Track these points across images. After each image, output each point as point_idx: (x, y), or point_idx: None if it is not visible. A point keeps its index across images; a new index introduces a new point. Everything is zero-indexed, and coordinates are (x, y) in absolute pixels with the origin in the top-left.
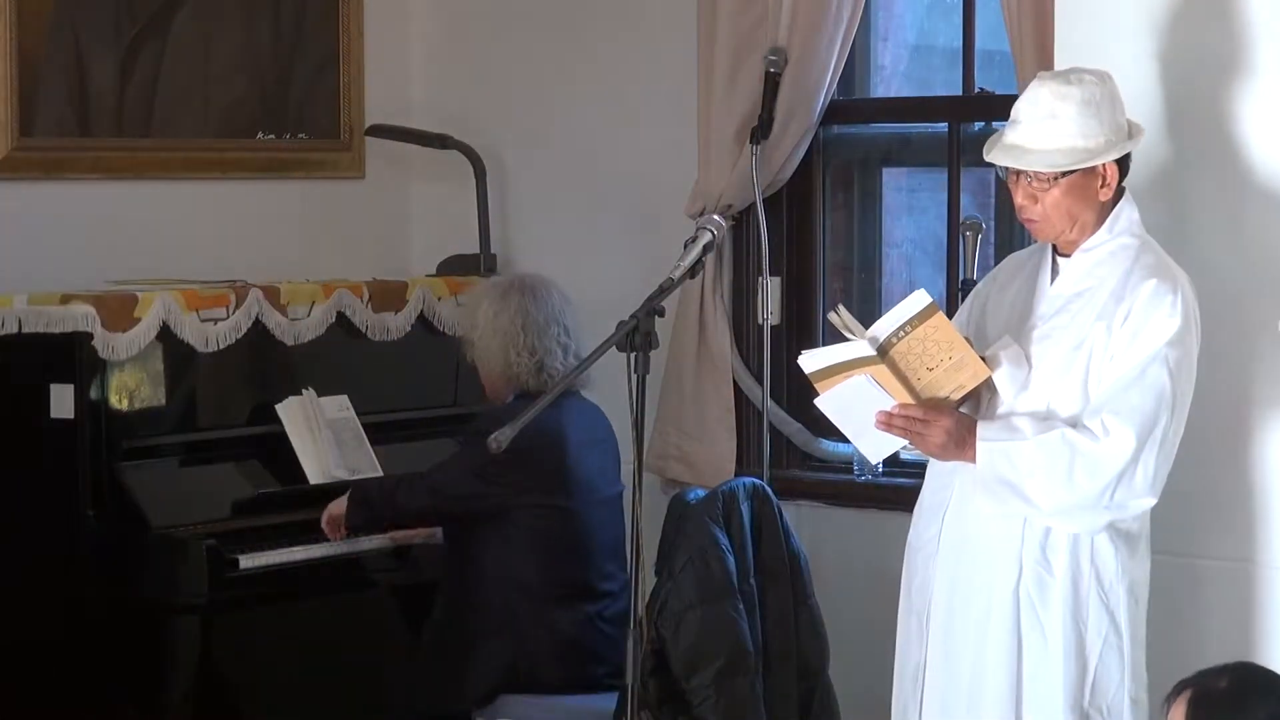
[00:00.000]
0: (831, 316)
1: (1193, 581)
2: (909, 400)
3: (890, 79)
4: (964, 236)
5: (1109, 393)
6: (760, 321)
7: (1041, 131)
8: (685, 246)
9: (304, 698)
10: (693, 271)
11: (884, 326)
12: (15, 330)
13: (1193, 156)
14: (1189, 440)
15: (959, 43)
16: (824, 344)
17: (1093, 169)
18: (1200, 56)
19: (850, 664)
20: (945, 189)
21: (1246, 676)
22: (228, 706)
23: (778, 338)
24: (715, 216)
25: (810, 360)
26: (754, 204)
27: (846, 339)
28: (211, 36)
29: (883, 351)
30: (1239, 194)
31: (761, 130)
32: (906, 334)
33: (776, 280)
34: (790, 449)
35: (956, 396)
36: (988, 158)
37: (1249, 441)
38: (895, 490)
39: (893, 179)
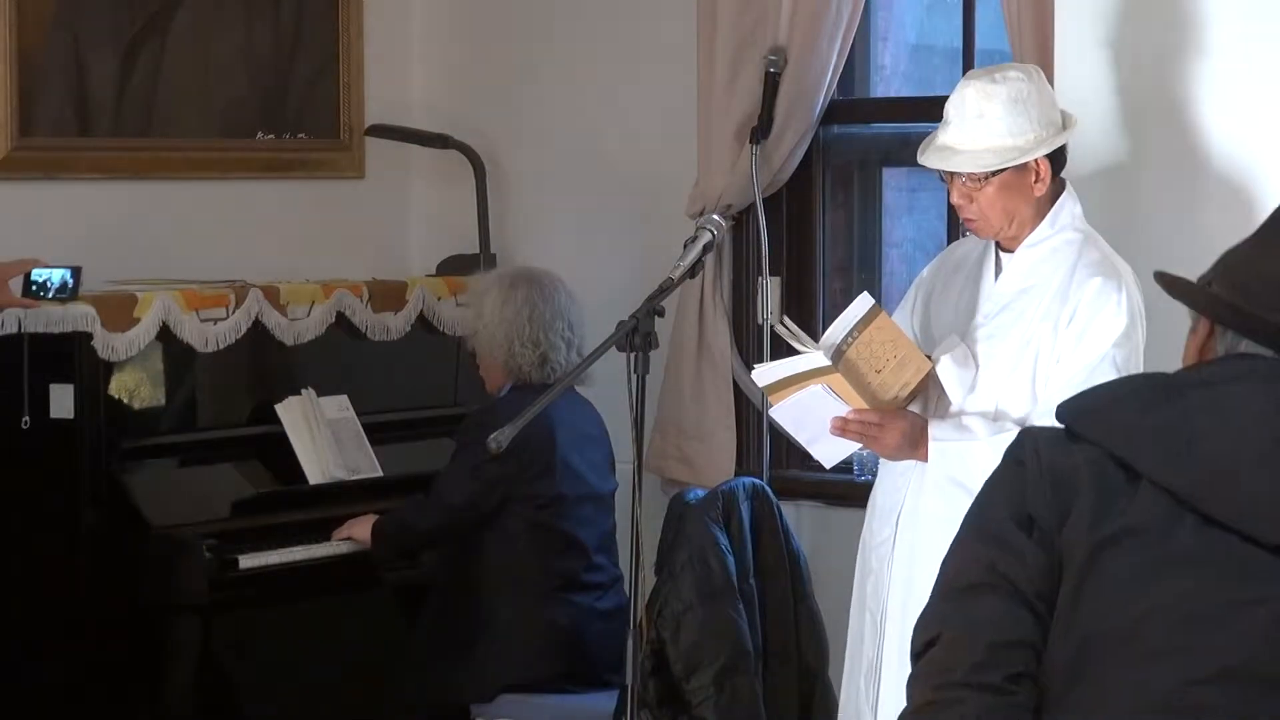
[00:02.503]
0: (778, 328)
1: None
2: (863, 405)
3: (890, 79)
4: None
5: (1058, 396)
6: (760, 321)
7: (970, 132)
8: (685, 246)
9: (304, 697)
10: (693, 271)
11: (835, 334)
12: (15, 330)
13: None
14: None
15: (959, 43)
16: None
17: (1024, 166)
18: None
19: None
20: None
21: None
22: (228, 706)
23: (777, 338)
24: (715, 216)
25: (764, 374)
26: (754, 204)
27: (796, 350)
28: (211, 36)
29: (836, 360)
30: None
31: (761, 130)
32: (855, 339)
33: (776, 280)
34: (790, 449)
35: (905, 394)
36: (920, 160)
37: None
38: None
39: (893, 179)
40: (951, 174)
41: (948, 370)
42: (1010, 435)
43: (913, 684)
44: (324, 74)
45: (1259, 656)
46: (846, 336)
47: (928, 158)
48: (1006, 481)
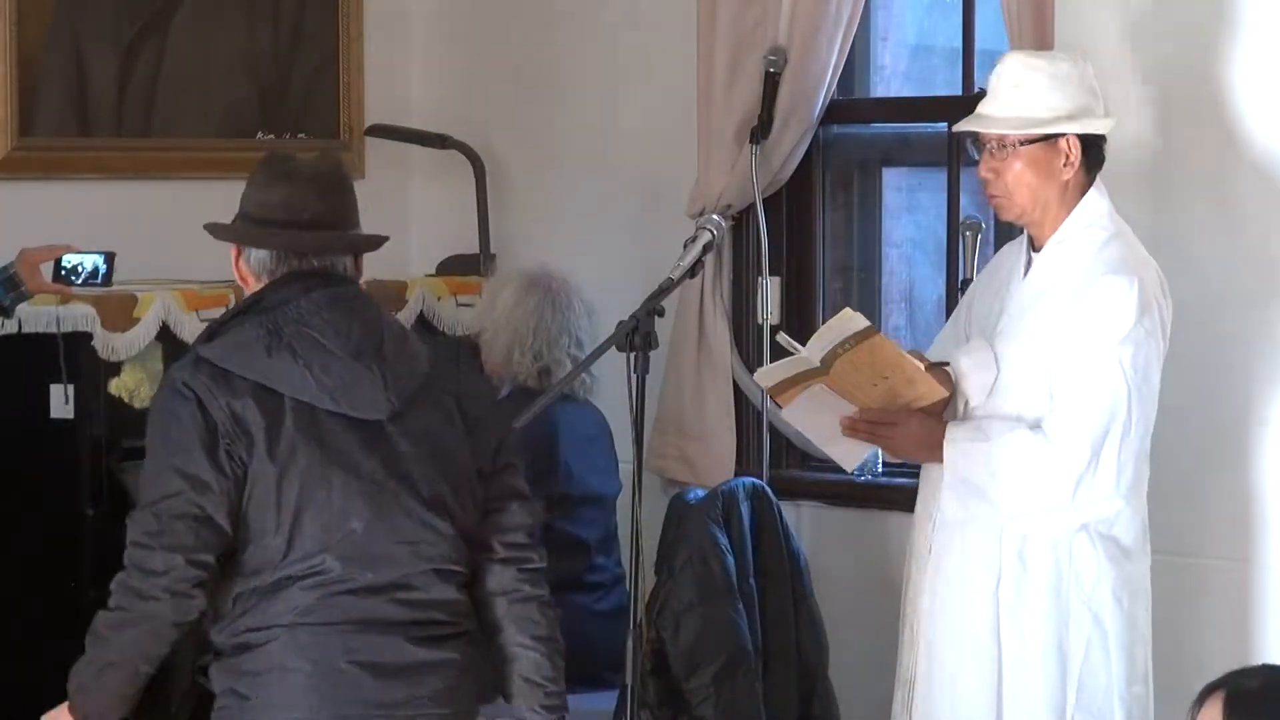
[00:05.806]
0: (779, 337)
1: (1191, 581)
2: (867, 406)
3: (890, 79)
4: (964, 236)
5: (1062, 396)
6: (760, 321)
7: (1005, 100)
8: (685, 246)
9: None
10: (692, 271)
11: (819, 345)
12: (15, 330)
13: (1183, 151)
14: (1187, 441)
15: (959, 43)
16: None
17: (1055, 145)
18: (1194, 53)
19: (850, 664)
20: (945, 189)
21: (1277, 675)
22: None
23: (778, 342)
24: (715, 216)
25: (766, 376)
26: (754, 204)
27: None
28: (211, 36)
29: (826, 364)
30: (1232, 188)
31: (761, 130)
32: (850, 348)
33: (776, 280)
34: (790, 449)
35: (916, 406)
36: (955, 129)
37: (1246, 441)
38: (895, 490)
39: (893, 179)
40: (982, 148)
41: (966, 373)
42: (1018, 435)
43: (124, 581)
44: (324, 74)
45: (384, 499)
46: (841, 344)
47: (961, 123)
48: (189, 418)
